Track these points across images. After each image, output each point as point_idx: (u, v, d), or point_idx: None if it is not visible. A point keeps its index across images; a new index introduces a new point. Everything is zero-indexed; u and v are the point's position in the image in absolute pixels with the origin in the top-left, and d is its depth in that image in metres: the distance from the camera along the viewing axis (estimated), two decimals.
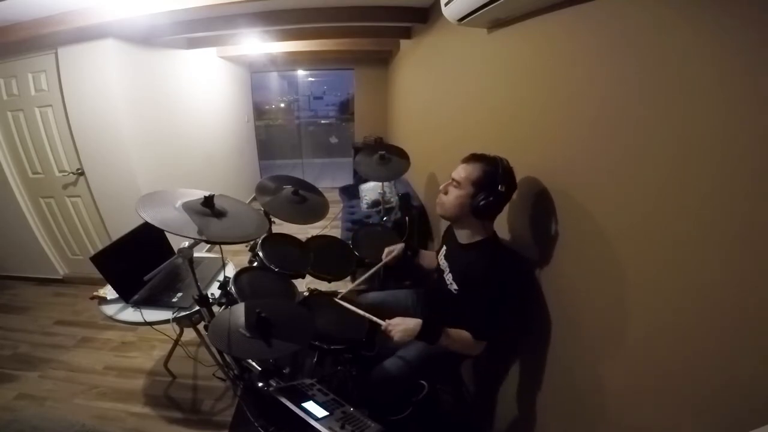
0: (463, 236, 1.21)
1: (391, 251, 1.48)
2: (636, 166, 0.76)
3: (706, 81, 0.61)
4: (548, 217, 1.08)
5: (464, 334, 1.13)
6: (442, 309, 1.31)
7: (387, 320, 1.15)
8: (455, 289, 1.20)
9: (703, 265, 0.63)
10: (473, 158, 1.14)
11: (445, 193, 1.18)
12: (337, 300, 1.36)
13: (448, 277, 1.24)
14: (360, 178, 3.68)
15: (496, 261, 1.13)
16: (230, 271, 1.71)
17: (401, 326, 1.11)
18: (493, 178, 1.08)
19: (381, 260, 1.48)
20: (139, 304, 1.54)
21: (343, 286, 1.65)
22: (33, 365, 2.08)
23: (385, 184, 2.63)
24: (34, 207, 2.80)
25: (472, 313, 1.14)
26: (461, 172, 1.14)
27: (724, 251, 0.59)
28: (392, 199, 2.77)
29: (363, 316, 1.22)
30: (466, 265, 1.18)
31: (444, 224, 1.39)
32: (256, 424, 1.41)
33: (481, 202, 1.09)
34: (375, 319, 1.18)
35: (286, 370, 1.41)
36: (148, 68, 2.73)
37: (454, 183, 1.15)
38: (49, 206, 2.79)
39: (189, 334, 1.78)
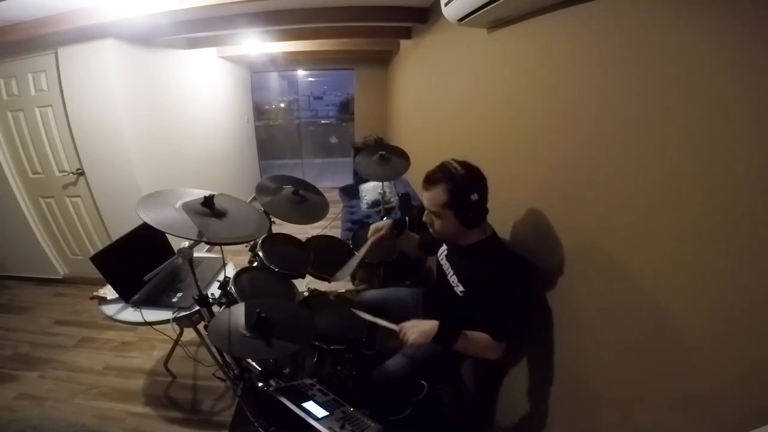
0: (463, 241, 1.20)
1: (379, 229, 1.39)
2: (637, 164, 0.76)
3: (705, 79, 0.61)
4: (548, 216, 1.08)
5: (483, 336, 1.10)
6: (446, 311, 1.29)
7: (400, 323, 1.13)
8: (461, 291, 1.19)
9: (704, 263, 0.63)
10: (429, 183, 1.10)
11: (431, 222, 1.16)
12: (353, 310, 1.34)
13: (453, 279, 1.23)
14: (360, 178, 3.69)
15: (500, 260, 1.13)
16: (230, 271, 1.71)
17: (417, 328, 1.09)
18: (462, 192, 1.05)
19: (368, 240, 1.39)
20: (139, 304, 1.54)
21: (343, 286, 1.65)
22: (33, 365, 2.08)
23: (385, 184, 2.63)
24: (34, 207, 2.79)
25: (487, 315, 1.12)
26: (429, 201, 1.11)
27: (725, 249, 0.59)
28: (392, 199, 2.78)
29: (379, 324, 1.22)
30: (470, 265, 1.17)
31: None
32: (256, 424, 1.41)
33: (469, 215, 1.07)
34: (389, 324, 1.17)
35: (286, 370, 1.41)
36: (148, 68, 2.73)
37: (433, 214, 1.13)
38: (49, 206, 2.79)
39: (189, 334, 1.78)
